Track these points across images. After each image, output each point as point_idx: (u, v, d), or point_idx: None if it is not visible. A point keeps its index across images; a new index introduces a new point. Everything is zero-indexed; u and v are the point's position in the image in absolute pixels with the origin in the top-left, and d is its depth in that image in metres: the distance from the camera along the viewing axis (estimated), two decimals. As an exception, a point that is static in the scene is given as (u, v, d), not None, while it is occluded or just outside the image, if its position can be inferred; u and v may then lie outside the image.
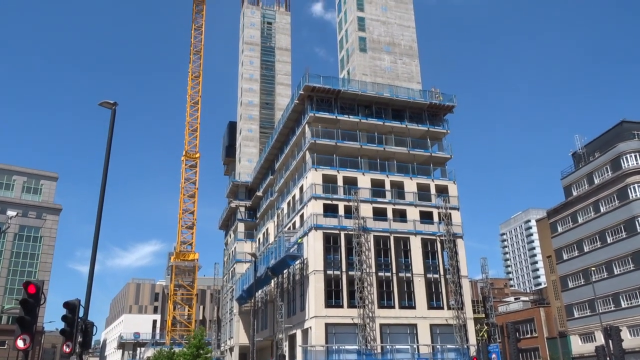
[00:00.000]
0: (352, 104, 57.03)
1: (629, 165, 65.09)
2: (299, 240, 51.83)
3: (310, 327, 47.54)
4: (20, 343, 14.77)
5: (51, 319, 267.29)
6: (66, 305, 16.50)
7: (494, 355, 48.18)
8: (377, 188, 54.33)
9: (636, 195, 63.68)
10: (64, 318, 16.47)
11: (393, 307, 49.95)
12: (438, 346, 49.85)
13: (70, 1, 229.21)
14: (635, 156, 65.14)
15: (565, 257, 75.11)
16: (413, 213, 54.29)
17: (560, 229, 76.58)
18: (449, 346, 49.89)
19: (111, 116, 19.55)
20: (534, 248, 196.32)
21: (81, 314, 16.75)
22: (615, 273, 65.55)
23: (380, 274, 50.69)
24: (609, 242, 67.04)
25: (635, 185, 63.99)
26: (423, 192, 55.86)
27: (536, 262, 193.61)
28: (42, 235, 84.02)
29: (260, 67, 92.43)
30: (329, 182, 53.27)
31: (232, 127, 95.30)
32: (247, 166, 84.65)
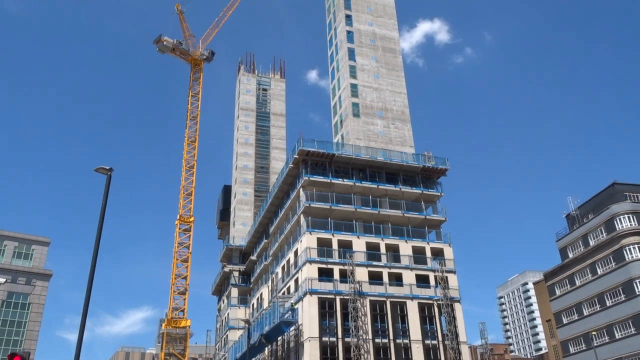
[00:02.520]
0: (346, 167, 57.58)
1: (622, 226, 65.22)
2: (293, 306, 50.79)
3: (306, 398, 45.75)
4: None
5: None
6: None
7: None
8: (373, 251, 53.92)
9: (632, 257, 63.41)
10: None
11: (391, 376, 48.34)
12: (438, 417, 47.90)
13: (66, 65, 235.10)
14: (629, 217, 65.40)
15: (565, 320, 73.78)
16: (409, 277, 53.64)
17: (558, 292, 75.64)
18: (449, 417, 47.94)
19: (106, 182, 19.58)
20: (532, 312, 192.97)
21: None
22: (617, 337, 64.21)
23: (377, 340, 49.41)
24: (608, 305, 66.08)
25: (631, 246, 63.88)
26: (418, 255, 55.46)
27: (536, 326, 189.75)
28: (30, 302, 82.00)
29: (256, 132, 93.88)
30: (323, 246, 52.90)
31: (226, 191, 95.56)
32: (241, 230, 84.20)
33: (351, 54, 67.01)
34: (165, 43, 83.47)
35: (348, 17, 69.37)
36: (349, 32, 68.36)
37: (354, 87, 65.11)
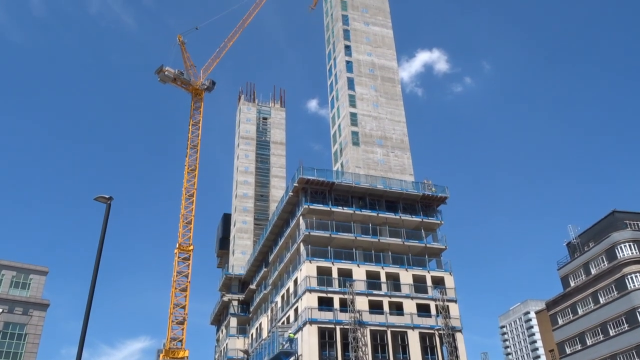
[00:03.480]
0: (346, 195, 57.64)
1: (624, 255, 64.91)
2: (293, 336, 50.21)
3: None
4: None
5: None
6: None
7: None
8: (373, 280, 53.56)
9: (634, 286, 62.91)
10: None
11: (392, 408, 47.47)
12: None
13: (66, 94, 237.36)
14: (630, 246, 65.14)
15: (568, 351, 72.74)
16: (410, 306, 53.15)
17: (560, 321, 74.80)
18: None
19: (106, 211, 19.61)
20: (535, 341, 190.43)
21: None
22: (621, 368, 63.17)
23: (377, 371, 48.65)
24: (611, 334, 65.26)
25: (633, 275, 63.44)
26: (419, 284, 55.06)
27: (539, 357, 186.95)
28: (27, 333, 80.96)
29: (256, 160, 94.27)
30: (323, 275, 52.56)
31: (226, 219, 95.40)
32: (240, 258, 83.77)
33: (350, 83, 67.79)
34: (166, 73, 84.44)
35: (347, 47, 70.40)
36: (348, 62, 69.27)
37: (353, 116, 65.65)
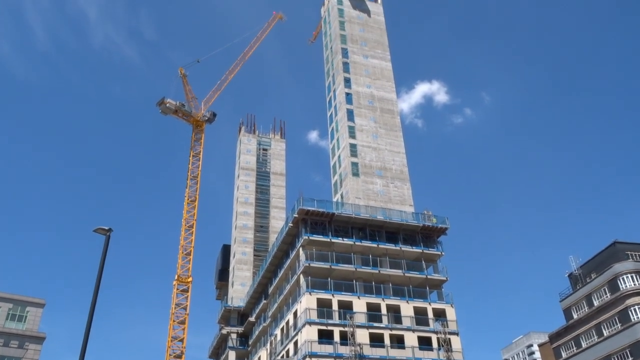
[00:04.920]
0: (346, 226, 57.49)
1: (626, 286, 64.37)
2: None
3: None
4: None
5: None
6: None
7: None
8: (373, 312, 52.97)
9: (638, 318, 62.17)
10: None
11: None
12: None
13: (66, 125, 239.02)
14: (632, 277, 64.64)
15: (572, 385, 71.34)
16: (411, 339, 52.42)
17: (564, 354, 73.63)
18: None
19: (105, 243, 19.56)
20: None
21: None
22: (628, 402, 61.91)
23: (379, 406, 47.70)
24: (616, 368, 64.15)
25: (636, 306, 62.76)
26: (420, 316, 54.43)
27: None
28: (22, 366, 79.64)
29: (256, 191, 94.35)
30: (323, 307, 51.99)
31: (225, 250, 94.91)
32: (240, 290, 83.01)
33: (350, 115, 68.39)
34: (168, 105, 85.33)
35: (347, 79, 71.29)
36: (347, 94, 70.05)
37: (353, 147, 66.02)
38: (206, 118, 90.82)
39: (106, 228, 20.37)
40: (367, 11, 79.51)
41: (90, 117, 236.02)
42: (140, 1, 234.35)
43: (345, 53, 73.76)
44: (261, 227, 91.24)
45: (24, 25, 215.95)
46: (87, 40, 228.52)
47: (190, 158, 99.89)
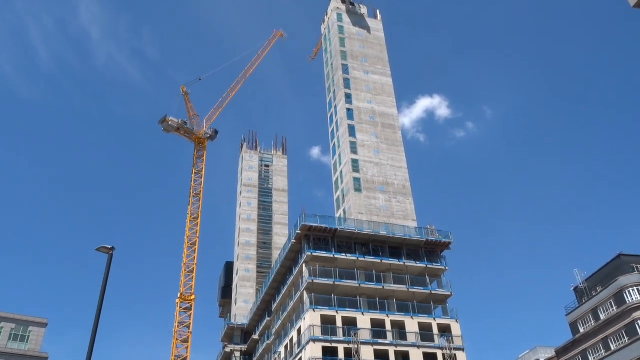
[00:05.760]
0: (349, 242, 57.30)
1: (632, 299, 63.85)
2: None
3: None
4: None
5: None
6: None
7: None
8: (378, 328, 52.54)
9: (645, 331, 61.51)
10: None
11: None
12: None
13: (68, 144, 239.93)
14: (638, 290, 64.15)
15: (581, 400, 70.41)
16: (416, 355, 51.91)
17: (572, 369, 72.74)
18: None
19: (107, 262, 19.51)
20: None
21: None
22: (637, 418, 60.99)
23: None
24: (625, 382, 63.33)
25: (643, 320, 62.13)
26: (425, 332, 53.94)
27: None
28: (24, 387, 79.00)
29: (258, 208, 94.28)
30: (327, 323, 51.61)
31: (228, 268, 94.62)
32: (243, 307, 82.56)
33: (351, 130, 68.56)
34: (170, 123, 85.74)
35: (348, 95, 71.60)
36: (348, 110, 70.30)
37: (355, 162, 66.08)
38: (208, 135, 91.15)
39: (109, 247, 20.33)
40: (367, 28, 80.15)
41: (92, 136, 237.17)
42: (143, 21, 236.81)
43: (345, 69, 74.19)
44: (264, 244, 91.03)
45: (27, 46, 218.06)
46: (90, 59, 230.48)
47: (193, 175, 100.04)
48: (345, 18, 79.67)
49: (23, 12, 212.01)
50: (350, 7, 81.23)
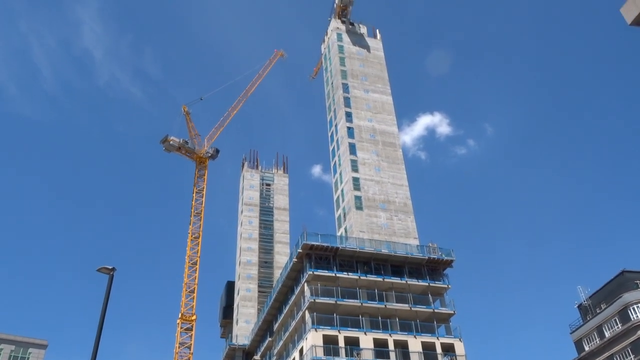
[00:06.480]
0: (350, 260, 57.05)
1: (637, 316, 63.32)
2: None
3: None
4: None
5: None
6: None
7: None
8: (381, 348, 51.99)
9: (651, 349, 60.86)
10: None
11: None
12: None
13: (70, 164, 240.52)
14: (643, 307, 63.59)
15: (587, 420, 69.39)
16: (420, 375, 51.29)
17: (577, 388, 71.80)
18: None
19: (108, 282, 19.42)
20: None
21: None
22: None
23: None
24: (632, 401, 62.47)
25: (648, 337, 61.52)
26: (429, 352, 53.36)
27: None
28: (23, 411, 78.12)
29: (259, 227, 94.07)
30: (329, 343, 51.12)
31: (230, 287, 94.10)
32: (244, 328, 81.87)
33: (352, 148, 68.70)
34: (171, 142, 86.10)
35: (348, 114, 71.90)
36: (349, 128, 70.52)
37: (355, 180, 66.08)
38: (209, 154, 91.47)
39: (110, 267, 20.25)
40: (366, 47, 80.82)
41: (94, 155, 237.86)
42: (145, 40, 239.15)
43: (346, 88, 74.63)
44: (265, 263, 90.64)
45: (30, 65, 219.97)
46: (93, 78, 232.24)
47: (194, 194, 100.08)
48: (345, 37, 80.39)
49: (27, 31, 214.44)
50: (350, 26, 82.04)
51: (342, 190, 68.14)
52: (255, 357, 74.93)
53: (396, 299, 56.05)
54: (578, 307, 75.86)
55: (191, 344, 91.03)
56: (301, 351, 53.68)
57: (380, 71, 78.82)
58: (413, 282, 57.23)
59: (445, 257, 59.04)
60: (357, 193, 65.10)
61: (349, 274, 55.82)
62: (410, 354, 52.54)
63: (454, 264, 59.69)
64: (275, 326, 65.70)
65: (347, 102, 73.10)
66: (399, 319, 54.93)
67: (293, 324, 57.58)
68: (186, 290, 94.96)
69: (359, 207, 63.93)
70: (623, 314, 65.13)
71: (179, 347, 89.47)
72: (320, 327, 52.02)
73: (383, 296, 55.92)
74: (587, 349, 70.72)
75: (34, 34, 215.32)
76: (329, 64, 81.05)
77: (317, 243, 55.84)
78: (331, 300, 53.51)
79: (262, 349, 71.60)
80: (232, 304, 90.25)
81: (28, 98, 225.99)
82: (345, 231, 64.05)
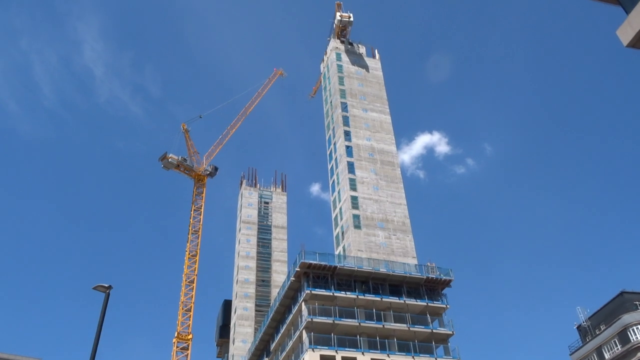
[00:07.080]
0: (348, 280, 56.73)
1: (637, 338, 62.83)
2: None
3: None
4: None
5: None
6: None
7: None
8: (378, 369, 51.42)
9: (652, 371, 60.30)
10: None
11: None
12: None
13: (67, 181, 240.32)
14: (642, 328, 63.14)
15: None
16: (418, 396, 50.68)
17: (577, 411, 70.94)
18: None
19: (104, 301, 19.27)
20: None
21: None
22: None
23: None
24: None
25: (649, 359, 60.98)
26: (427, 373, 52.81)
27: None
28: None
29: (257, 245, 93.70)
30: (327, 364, 50.58)
31: (227, 306, 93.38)
32: (241, 347, 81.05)
33: (350, 167, 68.82)
34: (170, 160, 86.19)
35: (347, 133, 72.18)
36: (348, 147, 70.73)
37: (354, 199, 66.06)
38: (208, 172, 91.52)
39: (106, 285, 20.11)
40: (365, 67, 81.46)
41: (93, 172, 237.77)
42: (145, 58, 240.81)
43: (344, 107, 75.02)
44: (263, 282, 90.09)
45: (30, 83, 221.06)
46: (93, 96, 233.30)
47: (192, 212, 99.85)
48: (344, 57, 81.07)
49: (28, 49, 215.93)
50: (349, 46, 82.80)
51: (340, 209, 68.07)
52: (251, 377, 74.07)
53: (394, 318, 55.63)
54: (577, 328, 75.31)
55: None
56: (298, 371, 53.07)
57: (379, 90, 79.33)
58: (411, 301, 56.87)
59: (444, 277, 58.77)
60: (356, 212, 65.03)
61: (347, 293, 55.46)
62: (409, 375, 51.99)
63: (453, 283, 59.43)
64: (272, 346, 65.04)
65: (345, 121, 73.41)
66: (397, 339, 54.44)
67: (290, 343, 57.02)
68: (183, 309, 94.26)
69: (357, 226, 63.81)
70: (622, 336, 64.64)
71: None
72: (318, 347, 51.52)
73: (381, 316, 55.50)
74: (586, 370, 69.98)
75: (35, 51, 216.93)
76: (328, 83, 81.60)
77: (315, 262, 55.58)
78: (329, 320, 53.08)
79: (259, 369, 70.80)
80: (229, 323, 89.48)
81: (28, 115, 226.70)
82: (344, 250, 63.82)
